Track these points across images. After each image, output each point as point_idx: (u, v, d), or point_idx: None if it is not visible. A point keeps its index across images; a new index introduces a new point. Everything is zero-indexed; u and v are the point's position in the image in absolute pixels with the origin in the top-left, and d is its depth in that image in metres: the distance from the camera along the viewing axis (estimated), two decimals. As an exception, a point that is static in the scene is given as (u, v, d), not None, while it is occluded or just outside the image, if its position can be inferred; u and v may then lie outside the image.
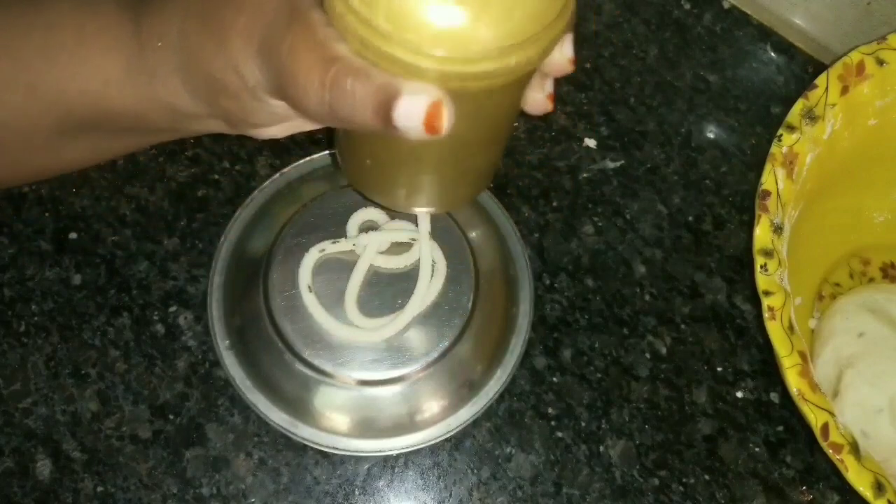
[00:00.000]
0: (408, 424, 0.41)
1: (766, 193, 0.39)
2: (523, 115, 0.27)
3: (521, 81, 0.24)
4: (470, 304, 0.42)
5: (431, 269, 0.42)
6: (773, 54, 0.56)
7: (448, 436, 0.41)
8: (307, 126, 0.29)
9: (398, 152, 0.26)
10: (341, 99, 0.21)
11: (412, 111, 0.21)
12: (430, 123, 0.21)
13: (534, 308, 0.44)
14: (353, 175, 0.31)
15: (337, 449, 0.40)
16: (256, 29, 0.23)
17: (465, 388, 0.42)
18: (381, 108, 0.21)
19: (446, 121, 0.21)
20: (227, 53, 0.23)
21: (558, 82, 0.27)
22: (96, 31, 0.26)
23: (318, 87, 0.21)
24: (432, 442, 0.41)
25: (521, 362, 0.43)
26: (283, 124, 0.28)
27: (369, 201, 0.35)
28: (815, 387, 0.36)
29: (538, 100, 0.27)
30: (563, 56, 0.25)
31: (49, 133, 0.28)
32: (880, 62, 0.42)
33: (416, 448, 0.41)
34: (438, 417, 0.41)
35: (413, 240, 0.42)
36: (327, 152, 0.47)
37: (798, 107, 0.41)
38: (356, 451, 0.40)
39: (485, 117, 0.24)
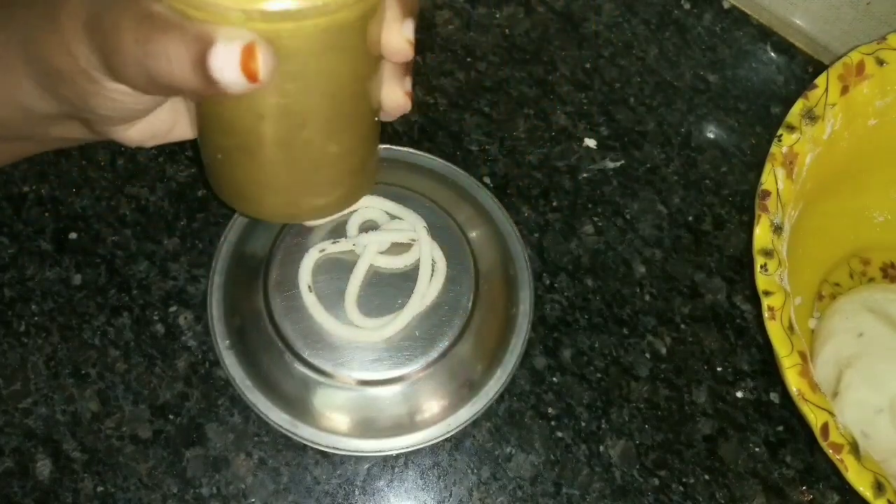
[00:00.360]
0: (408, 424, 0.41)
1: (766, 193, 0.39)
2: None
3: (347, 39, 0.23)
4: (470, 304, 0.42)
5: (431, 268, 0.42)
6: (773, 54, 0.56)
7: (448, 436, 0.41)
8: (165, 127, 0.28)
9: (238, 135, 0.25)
10: (156, 58, 0.21)
11: (228, 58, 0.20)
12: (247, 68, 0.20)
13: (534, 308, 0.44)
14: (212, 179, 0.29)
15: (337, 449, 0.40)
16: (83, 6, 0.22)
17: (465, 388, 0.42)
18: (198, 62, 0.20)
19: (262, 63, 0.20)
20: (58, 34, 0.23)
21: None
22: None
23: (133, 45, 0.21)
24: (432, 442, 0.41)
25: (521, 362, 0.43)
26: (139, 123, 0.27)
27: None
28: (815, 387, 0.36)
29: (395, 96, 0.26)
30: (401, 37, 0.24)
31: None
32: (880, 62, 0.42)
33: (416, 448, 0.41)
34: (438, 417, 0.41)
35: (413, 240, 0.42)
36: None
37: (798, 107, 0.41)
38: (356, 451, 0.40)
39: (317, 81, 0.23)
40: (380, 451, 0.41)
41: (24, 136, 0.28)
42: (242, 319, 0.42)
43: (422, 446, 0.41)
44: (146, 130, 0.27)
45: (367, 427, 0.41)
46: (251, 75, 0.20)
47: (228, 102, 0.23)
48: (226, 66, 0.20)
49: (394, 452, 0.41)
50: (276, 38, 0.21)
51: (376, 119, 0.28)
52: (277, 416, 0.40)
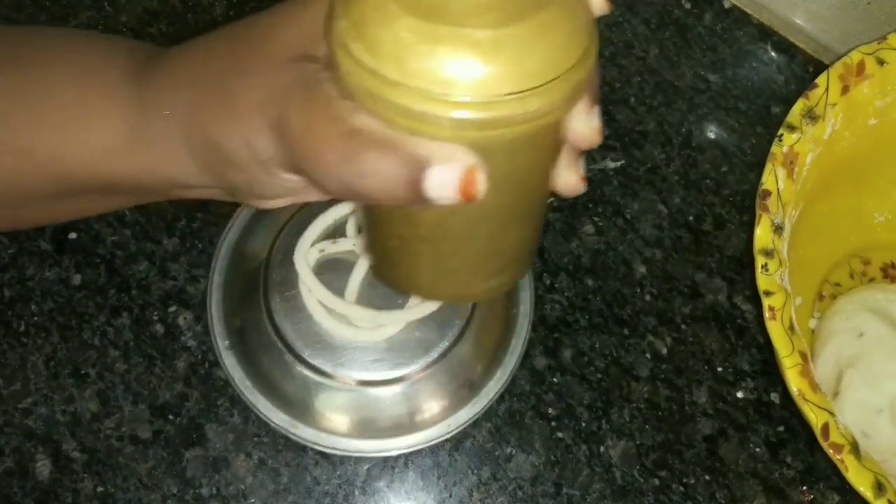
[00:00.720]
0: (408, 425, 0.41)
1: (767, 193, 0.39)
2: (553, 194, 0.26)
3: (545, 138, 0.22)
4: (470, 304, 0.42)
5: None
6: (773, 54, 0.56)
7: (448, 436, 0.41)
8: (317, 197, 0.27)
9: (423, 227, 0.24)
10: (364, 176, 0.20)
11: (445, 180, 0.20)
12: (466, 190, 0.20)
13: (534, 308, 0.44)
14: (379, 263, 0.29)
15: (337, 449, 0.40)
16: (270, 104, 0.22)
17: (465, 388, 0.42)
18: (411, 181, 0.20)
19: (481, 184, 0.20)
20: (238, 127, 0.23)
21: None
22: (98, 98, 0.25)
23: (336, 163, 0.20)
24: (432, 442, 0.41)
25: (521, 362, 0.43)
26: (290, 196, 0.27)
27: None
28: (815, 387, 0.36)
29: (571, 180, 0.25)
30: (589, 126, 0.23)
31: (43, 196, 0.27)
32: (880, 62, 0.42)
33: (416, 448, 0.41)
34: (438, 418, 0.41)
35: None
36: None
37: (798, 106, 0.41)
38: (356, 452, 0.40)
39: (510, 179, 0.22)
40: (380, 452, 0.41)
41: (159, 194, 0.28)
42: (242, 320, 0.42)
43: (422, 447, 0.41)
44: (288, 199, 0.27)
45: (366, 427, 0.41)
46: (469, 197, 0.20)
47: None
48: (443, 188, 0.20)
49: (394, 453, 0.41)
50: (481, 144, 0.20)
51: (548, 202, 0.27)
52: (277, 417, 0.40)
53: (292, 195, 0.26)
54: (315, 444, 0.40)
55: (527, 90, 0.19)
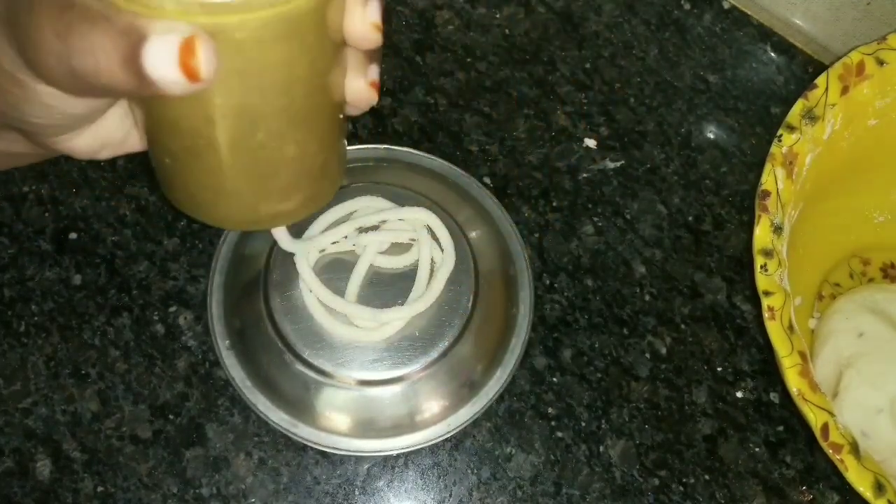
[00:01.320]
0: (408, 424, 0.41)
1: (766, 193, 0.39)
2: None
3: (300, 29, 0.20)
4: (470, 305, 0.42)
5: (431, 268, 0.42)
6: (773, 54, 0.56)
7: (448, 436, 0.41)
8: (118, 136, 0.25)
9: (185, 135, 0.22)
10: (80, 53, 0.18)
11: (163, 54, 0.18)
12: (186, 65, 0.18)
13: (534, 308, 0.44)
14: (163, 185, 0.27)
15: (337, 449, 0.40)
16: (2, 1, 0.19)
17: (466, 388, 0.42)
18: (129, 59, 0.18)
19: (204, 60, 0.18)
20: None
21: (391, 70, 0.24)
22: None
23: (52, 40, 0.18)
24: (432, 442, 0.41)
25: (520, 362, 0.43)
26: (85, 133, 0.24)
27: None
28: (815, 387, 0.36)
29: (358, 87, 0.23)
30: (365, 21, 0.21)
31: None
32: (880, 62, 0.42)
33: (416, 448, 0.41)
34: (438, 417, 0.41)
35: (413, 240, 0.42)
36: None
37: (798, 107, 0.41)
38: (356, 452, 0.40)
39: (267, 78, 0.21)
40: (380, 451, 0.41)
41: None
42: (242, 320, 0.42)
43: (422, 446, 0.41)
44: (94, 140, 0.24)
45: (367, 427, 0.41)
46: (191, 74, 0.18)
47: (172, 102, 0.21)
48: (162, 63, 0.18)
49: (394, 452, 0.41)
50: (219, 32, 0.19)
51: (341, 116, 0.25)
52: (277, 416, 0.40)
53: (76, 120, 0.23)
54: (315, 443, 0.40)
55: None
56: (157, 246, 0.45)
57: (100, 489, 0.40)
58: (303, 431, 0.40)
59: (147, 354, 0.43)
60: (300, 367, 0.40)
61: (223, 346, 0.42)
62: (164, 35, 0.18)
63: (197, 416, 0.42)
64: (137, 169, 0.47)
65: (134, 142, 0.26)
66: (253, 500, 0.40)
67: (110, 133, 0.25)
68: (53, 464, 0.40)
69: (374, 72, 0.24)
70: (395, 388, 0.41)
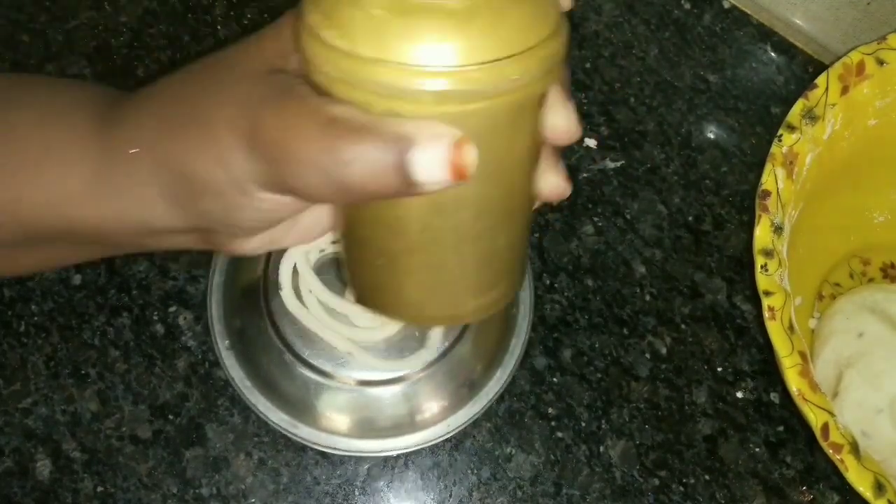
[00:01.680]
0: (408, 425, 0.41)
1: (766, 193, 0.39)
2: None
3: (526, 117, 0.21)
4: None
5: None
6: (773, 54, 0.56)
7: (448, 436, 0.41)
8: (288, 239, 0.26)
9: (409, 233, 0.23)
10: (350, 165, 0.19)
11: (434, 158, 0.19)
12: (457, 165, 0.19)
13: (533, 308, 0.44)
14: (365, 289, 0.27)
15: (337, 449, 0.40)
16: (244, 116, 0.20)
17: (465, 388, 0.42)
18: (398, 165, 0.19)
19: (472, 157, 0.19)
20: (211, 147, 0.21)
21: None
22: (61, 140, 0.24)
23: (317, 155, 0.19)
24: (432, 442, 0.41)
25: (520, 362, 0.43)
26: (264, 234, 0.25)
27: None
28: (815, 387, 0.36)
29: (555, 182, 0.24)
30: (567, 118, 0.22)
31: (5, 242, 0.26)
32: (880, 62, 0.42)
33: (416, 448, 0.41)
34: (438, 418, 0.41)
35: None
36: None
37: (798, 107, 0.41)
38: (356, 452, 0.40)
39: (495, 165, 0.21)
40: (380, 452, 0.41)
41: (126, 245, 0.26)
42: (242, 320, 0.42)
43: (422, 447, 0.41)
44: (264, 240, 0.25)
45: (366, 427, 0.41)
46: (460, 174, 0.19)
47: (402, 202, 0.21)
48: (432, 166, 0.19)
49: (394, 453, 0.41)
50: (464, 120, 0.19)
51: (533, 209, 0.26)
52: (277, 417, 0.40)
53: (273, 223, 0.24)
54: (315, 443, 0.40)
55: (503, 58, 0.19)
56: (156, 246, 0.45)
57: (100, 489, 0.40)
58: (303, 432, 0.40)
59: (147, 354, 0.43)
60: (300, 368, 0.40)
61: (223, 346, 0.42)
62: (433, 140, 0.19)
63: (197, 416, 0.42)
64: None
65: (294, 238, 0.26)
66: (253, 500, 0.40)
67: (279, 231, 0.25)
68: (53, 464, 0.40)
69: (563, 167, 0.25)
70: (395, 389, 0.41)
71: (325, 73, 0.19)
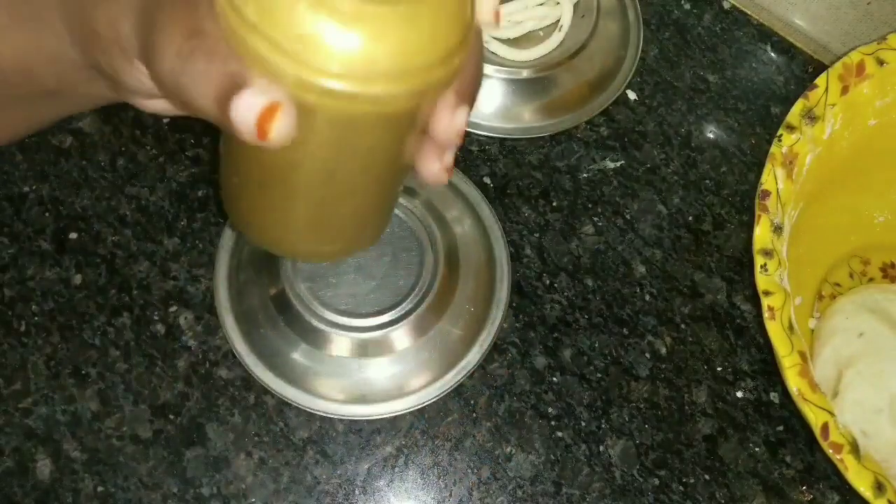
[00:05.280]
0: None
1: (766, 193, 0.39)
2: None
3: (394, 124, 0.22)
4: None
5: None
6: (773, 54, 0.56)
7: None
8: (188, 110, 0.27)
9: (260, 169, 0.25)
10: (190, 74, 0.20)
11: (248, 107, 0.20)
12: (261, 125, 0.20)
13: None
14: (224, 196, 0.29)
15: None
16: None
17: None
18: (222, 96, 0.20)
19: (276, 130, 0.20)
20: (112, 7, 0.23)
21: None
22: None
23: (174, 56, 0.21)
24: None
25: (521, 362, 0.43)
26: (161, 100, 0.26)
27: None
28: (815, 386, 0.36)
29: (434, 170, 0.25)
30: (450, 125, 0.23)
31: None
32: (880, 62, 0.42)
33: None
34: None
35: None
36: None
37: (798, 107, 0.41)
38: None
39: (351, 154, 0.23)
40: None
41: (51, 90, 0.27)
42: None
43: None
44: (168, 106, 0.27)
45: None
46: (261, 133, 0.20)
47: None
48: (244, 113, 0.20)
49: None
50: (320, 108, 0.20)
51: (399, 188, 0.27)
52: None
53: (155, 95, 0.25)
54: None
55: (377, 73, 0.19)
56: (157, 246, 0.45)
57: (100, 489, 0.40)
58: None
59: (147, 354, 0.43)
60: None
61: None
62: (256, 93, 0.20)
63: (197, 415, 0.42)
64: (138, 169, 0.47)
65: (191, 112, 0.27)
66: (253, 500, 0.40)
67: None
68: (53, 463, 0.40)
69: (448, 157, 0.25)
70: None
71: (220, 14, 0.20)
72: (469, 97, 0.23)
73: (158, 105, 0.27)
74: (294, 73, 0.19)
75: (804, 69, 0.55)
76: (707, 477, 0.43)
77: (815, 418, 0.35)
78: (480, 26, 0.23)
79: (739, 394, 0.45)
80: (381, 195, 0.26)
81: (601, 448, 0.43)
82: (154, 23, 0.21)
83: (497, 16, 0.23)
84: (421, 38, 0.20)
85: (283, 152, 0.22)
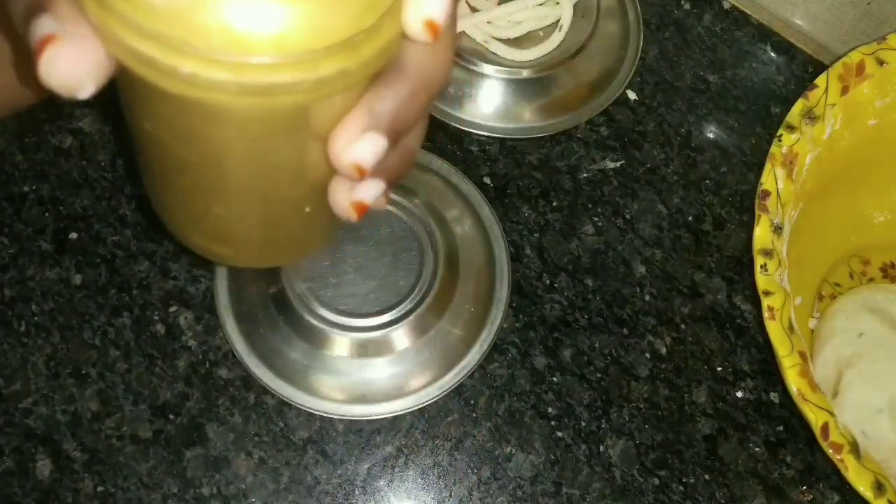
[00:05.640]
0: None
1: (766, 193, 0.39)
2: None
3: (265, 125, 0.18)
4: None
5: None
6: (773, 54, 0.56)
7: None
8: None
9: (136, 138, 0.22)
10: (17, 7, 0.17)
11: (35, 32, 0.16)
12: (39, 48, 0.16)
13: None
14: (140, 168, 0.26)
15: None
16: None
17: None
18: (28, 12, 0.17)
19: (44, 62, 0.16)
20: None
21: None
22: None
23: None
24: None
25: (520, 362, 0.43)
26: None
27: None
28: (815, 387, 0.36)
29: (336, 200, 0.21)
30: (345, 151, 0.19)
31: None
32: (880, 62, 0.42)
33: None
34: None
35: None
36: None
37: (798, 107, 0.41)
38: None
39: (200, 144, 0.19)
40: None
41: None
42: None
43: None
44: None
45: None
46: (35, 63, 0.16)
47: (129, 104, 0.20)
48: (32, 42, 0.16)
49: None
50: (159, 84, 0.17)
51: (307, 209, 0.23)
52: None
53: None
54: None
55: (229, 59, 0.16)
56: (157, 246, 0.45)
57: (100, 489, 0.40)
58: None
59: (147, 354, 0.43)
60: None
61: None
62: (49, 18, 0.16)
63: (197, 415, 0.42)
64: (138, 169, 0.47)
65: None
66: (253, 500, 0.40)
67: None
68: (53, 464, 0.40)
69: (363, 191, 0.21)
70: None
71: None
72: (380, 124, 0.19)
73: None
74: (172, 63, 0.16)
75: (804, 69, 0.55)
76: (707, 477, 0.43)
77: (815, 418, 0.35)
78: (408, 33, 0.18)
79: (739, 394, 0.45)
80: (261, 205, 0.22)
81: (601, 448, 0.43)
82: None
83: (432, 29, 0.18)
84: (307, 25, 0.16)
85: (138, 119, 0.20)
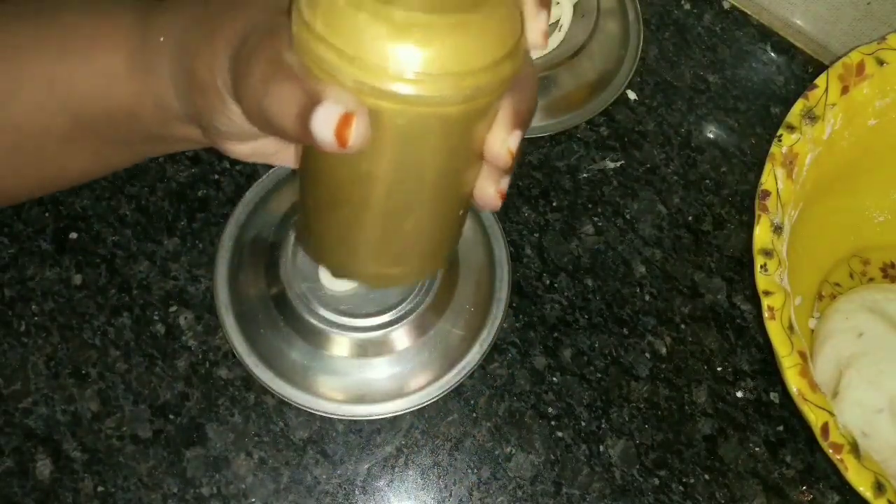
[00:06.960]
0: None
1: (766, 193, 0.39)
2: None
3: (448, 131, 0.23)
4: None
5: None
6: (773, 54, 0.56)
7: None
8: (276, 158, 0.31)
9: (326, 186, 0.26)
10: (272, 96, 0.23)
11: (326, 119, 0.21)
12: (340, 133, 0.21)
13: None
14: (299, 221, 0.31)
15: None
16: (239, 36, 0.24)
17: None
18: (302, 112, 0.22)
19: (354, 133, 0.21)
20: (209, 52, 0.25)
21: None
22: (108, 32, 0.28)
23: (258, 82, 0.23)
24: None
25: (520, 362, 0.43)
26: (253, 144, 0.29)
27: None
28: (815, 386, 0.36)
29: (487, 192, 0.26)
30: (503, 145, 0.24)
31: (58, 137, 0.29)
32: (880, 62, 0.42)
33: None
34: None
35: None
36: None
37: (798, 107, 0.41)
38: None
39: (409, 162, 0.24)
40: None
41: (153, 133, 0.30)
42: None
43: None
44: (252, 150, 0.30)
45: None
46: (341, 140, 0.22)
47: (325, 156, 0.25)
48: (323, 125, 0.21)
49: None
50: (382, 113, 0.22)
51: (461, 211, 0.28)
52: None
53: (250, 135, 0.28)
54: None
55: (429, 74, 0.21)
56: (157, 246, 0.45)
57: (100, 489, 0.40)
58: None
59: (147, 354, 0.43)
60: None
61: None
62: (333, 103, 0.21)
63: (197, 415, 0.42)
64: (137, 169, 0.47)
65: (282, 158, 0.31)
66: (253, 500, 0.40)
67: (266, 147, 0.30)
68: (53, 464, 0.40)
69: (504, 182, 0.26)
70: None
71: (294, 33, 0.22)
72: (522, 121, 0.24)
73: (244, 149, 0.30)
74: (357, 77, 0.21)
75: (804, 69, 0.55)
76: (707, 477, 0.43)
77: (815, 418, 0.35)
78: (529, 48, 0.24)
79: (739, 394, 0.45)
80: (441, 213, 0.27)
81: (601, 448, 0.43)
82: (242, 60, 0.24)
83: (546, 36, 0.24)
84: (469, 45, 0.21)
85: (352, 165, 0.24)
